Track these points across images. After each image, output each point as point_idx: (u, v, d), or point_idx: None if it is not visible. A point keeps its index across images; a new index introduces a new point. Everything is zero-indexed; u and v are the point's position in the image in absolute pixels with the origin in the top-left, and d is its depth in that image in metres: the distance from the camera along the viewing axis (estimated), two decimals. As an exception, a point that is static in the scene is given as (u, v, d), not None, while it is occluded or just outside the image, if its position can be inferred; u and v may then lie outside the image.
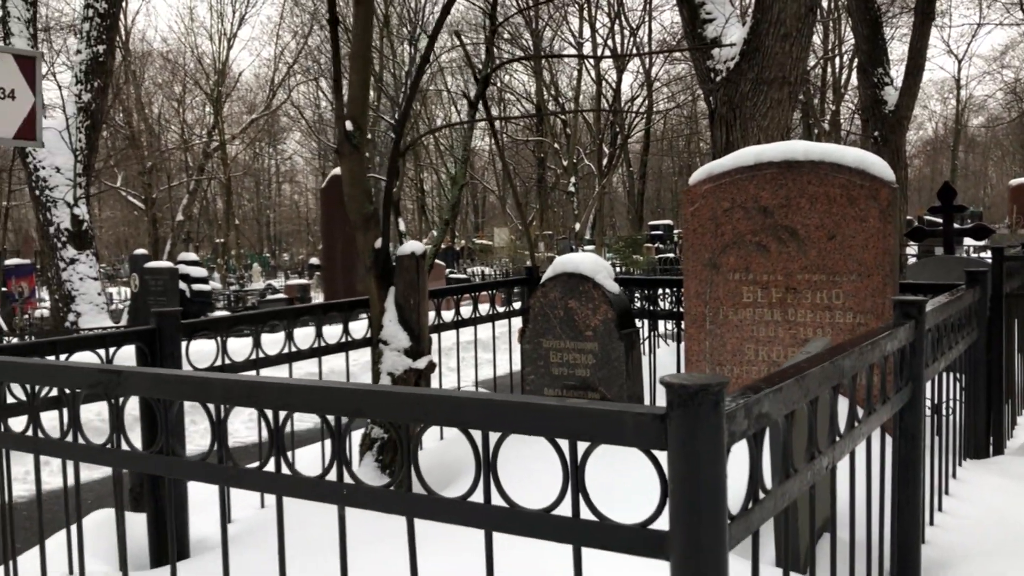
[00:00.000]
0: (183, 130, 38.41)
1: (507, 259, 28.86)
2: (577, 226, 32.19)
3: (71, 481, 3.32)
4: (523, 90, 36.93)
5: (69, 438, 2.19)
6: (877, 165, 3.78)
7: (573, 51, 33.95)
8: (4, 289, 21.14)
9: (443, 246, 26.30)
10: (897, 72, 12.07)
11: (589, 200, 34.34)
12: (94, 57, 11.30)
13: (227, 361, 3.46)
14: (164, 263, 11.27)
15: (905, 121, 11.00)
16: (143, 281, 10.66)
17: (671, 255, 22.36)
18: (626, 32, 32.99)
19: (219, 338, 3.43)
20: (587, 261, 4.56)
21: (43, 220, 10.89)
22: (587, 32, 33.33)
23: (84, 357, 2.87)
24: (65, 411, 2.28)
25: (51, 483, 5.72)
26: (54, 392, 2.69)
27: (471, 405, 1.54)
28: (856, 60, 13.04)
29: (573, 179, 33.09)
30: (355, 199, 3.80)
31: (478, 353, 5.72)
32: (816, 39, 28.43)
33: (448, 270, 21.67)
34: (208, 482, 1.93)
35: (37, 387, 2.31)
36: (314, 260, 27.92)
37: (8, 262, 23.44)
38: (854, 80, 22.33)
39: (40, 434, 2.26)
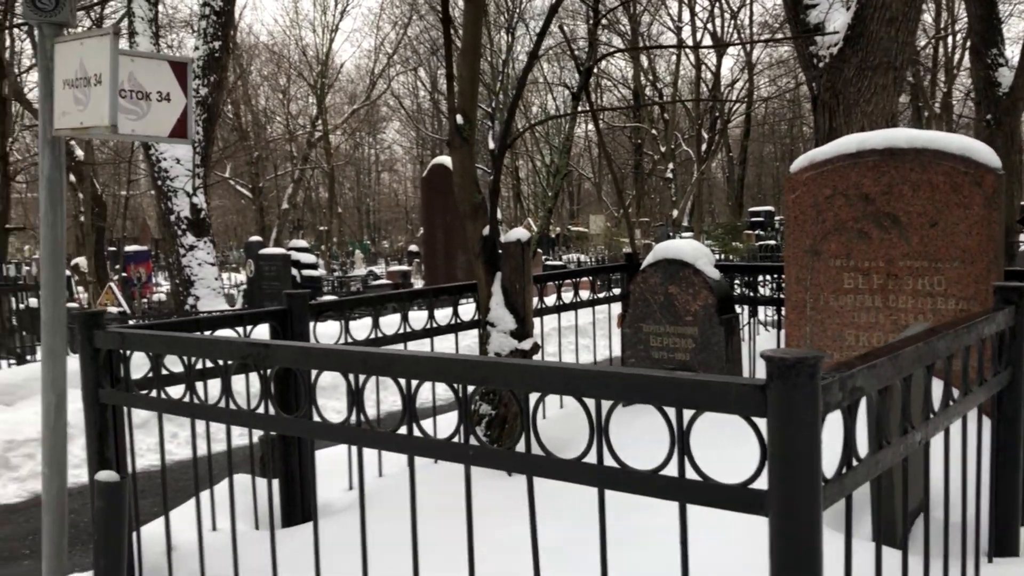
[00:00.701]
0: (288, 121, 39.63)
1: (602, 246, 28.87)
2: (675, 213, 31.92)
3: (210, 446, 3.63)
4: (620, 76, 36.72)
5: (222, 404, 2.46)
6: (983, 152, 3.78)
7: (672, 35, 33.57)
8: (124, 274, 22.34)
9: (542, 235, 26.49)
10: (1012, 52, 11.61)
11: (687, 186, 33.98)
12: (210, 53, 11.89)
13: (349, 340, 3.72)
14: (277, 250, 11.81)
15: (1020, 103, 10.61)
16: (258, 267, 11.20)
17: (772, 242, 22.00)
18: (726, 15, 32.44)
19: (343, 319, 3.70)
20: (688, 247, 4.67)
21: (164, 209, 11.55)
22: (686, 16, 32.90)
23: (222, 334, 3.16)
24: (200, 384, 2.56)
25: (178, 454, 6.17)
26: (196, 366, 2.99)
27: (586, 376, 1.71)
28: (969, 40, 12.61)
29: (671, 165, 32.80)
30: (465, 189, 4.01)
31: (578, 339, 5.88)
32: (927, 18, 27.34)
33: (544, 257, 21.86)
34: (349, 443, 2.16)
35: (193, 359, 2.59)
36: (413, 247, 28.51)
37: (127, 249, 24.72)
38: (967, 61, 21.46)
39: (196, 400, 2.55)
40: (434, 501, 3.16)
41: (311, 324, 3.51)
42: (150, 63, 2.63)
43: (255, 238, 17.44)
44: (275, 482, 3.53)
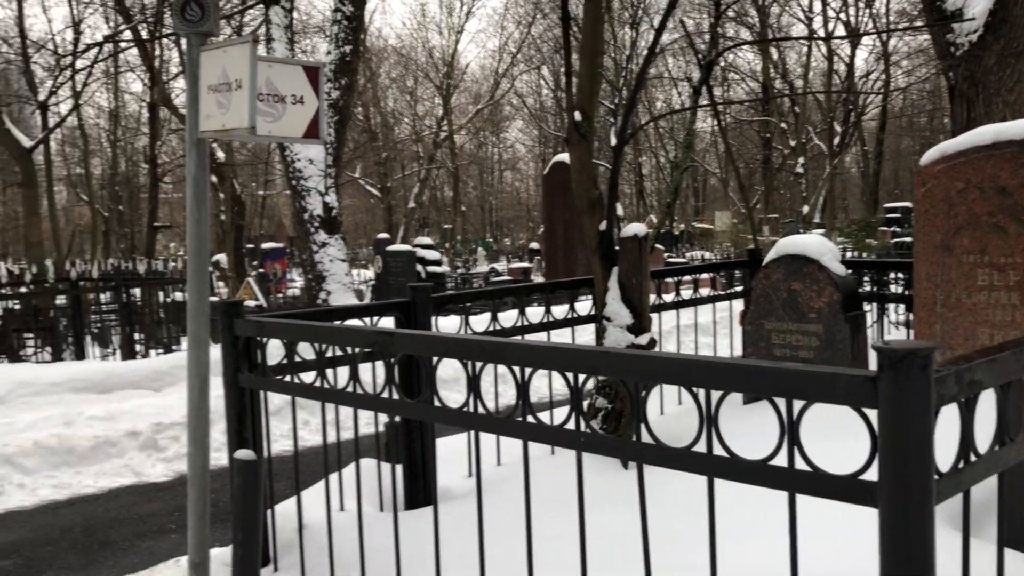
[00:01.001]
0: (414, 122, 40.59)
1: (728, 243, 28.30)
2: (805, 209, 30.94)
3: (339, 433, 3.81)
4: (748, 69, 35.86)
5: (349, 389, 2.60)
6: None
7: (802, 26, 32.52)
8: (261, 270, 23.43)
9: (661, 230, 26.21)
10: None
11: (819, 182, 32.87)
12: (342, 57, 12.33)
13: (469, 332, 3.84)
14: (404, 247, 12.16)
15: None
16: (385, 263, 11.56)
17: (908, 239, 21.04)
18: (860, 4, 31.18)
19: (463, 312, 3.82)
20: (812, 242, 4.57)
21: (298, 208, 12.07)
22: (817, 6, 31.83)
23: (351, 324, 3.32)
24: (330, 371, 2.70)
25: (309, 441, 6.47)
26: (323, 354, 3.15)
27: (696, 366, 1.74)
28: None
29: (801, 160, 31.80)
30: (582, 185, 4.06)
31: (698, 337, 5.83)
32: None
33: (667, 254, 21.62)
34: (466, 427, 2.26)
35: (323, 346, 2.74)
36: (534, 244, 28.73)
37: (264, 246, 25.92)
38: None
39: (326, 385, 2.70)
40: (549, 490, 3.23)
41: (433, 317, 3.64)
42: (285, 68, 2.80)
43: (383, 235, 17.99)
44: (399, 468, 3.68)
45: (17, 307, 11.11)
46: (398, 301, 3.55)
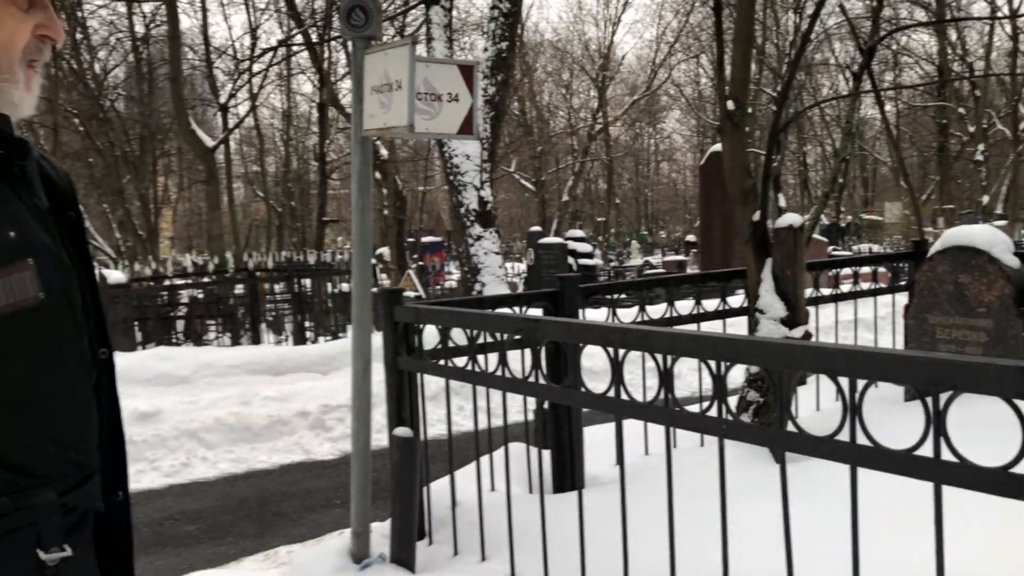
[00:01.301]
0: (569, 115, 40.76)
1: (899, 236, 26.87)
2: (985, 199, 28.94)
3: (490, 418, 3.95)
4: (923, 51, 33.81)
5: (499, 373, 2.71)
6: None
7: (984, 4, 30.35)
8: (421, 263, 24.21)
9: (827, 222, 25.18)
10: None
11: (1001, 170, 30.64)
12: (498, 53, 12.57)
13: (616, 323, 3.88)
14: (555, 239, 12.30)
15: None
16: (537, 255, 11.74)
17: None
18: (1051, -24, 28.74)
19: (611, 303, 3.87)
20: (982, 233, 4.34)
21: (455, 202, 12.43)
22: (1001, -19, 29.58)
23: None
24: (481, 357, 2.82)
25: (462, 425, 6.69)
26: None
27: (839, 354, 1.73)
28: None
29: (981, 147, 29.74)
30: (735, 174, 4.02)
31: (857, 332, 5.63)
32: None
33: (831, 247, 20.79)
34: (609, 411, 2.32)
35: (475, 332, 2.87)
36: (690, 237, 28.28)
37: (423, 239, 26.74)
38: None
39: (477, 369, 2.83)
40: (696, 481, 3.24)
41: (581, 309, 3.72)
42: (442, 67, 2.94)
43: (536, 228, 18.24)
44: (547, 453, 3.78)
45: (200, 295, 12.02)
46: (546, 291, 3.65)
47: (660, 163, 54.23)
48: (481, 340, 3.26)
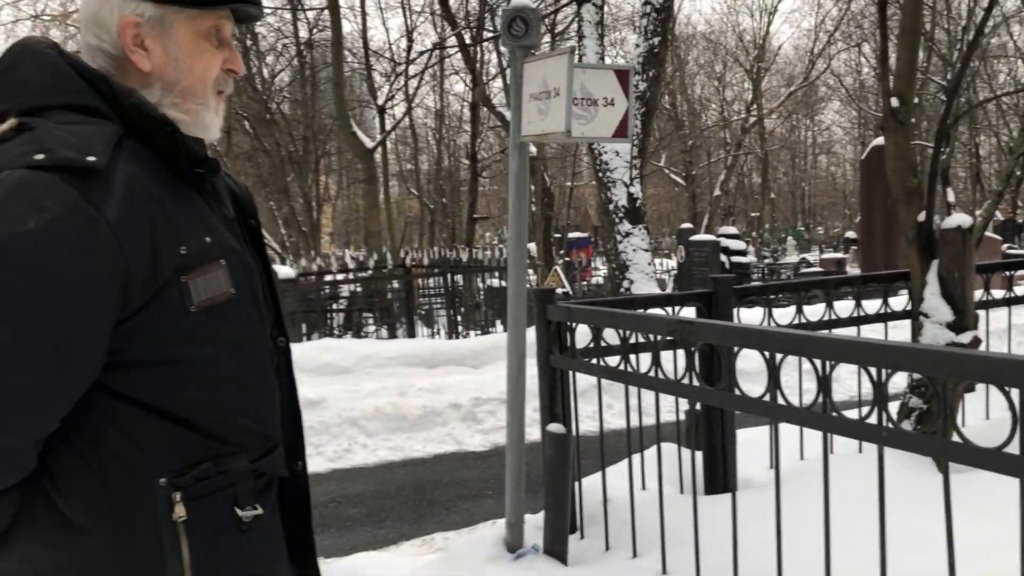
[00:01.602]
0: (722, 108, 39.87)
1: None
2: None
3: (641, 417, 3.99)
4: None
5: (651, 373, 2.76)
6: None
7: None
8: (567, 259, 24.35)
9: (1001, 218, 23.56)
10: None
11: None
12: (650, 49, 12.50)
13: (771, 325, 3.83)
14: (707, 236, 12.12)
15: None
16: (688, 252, 11.61)
17: None
18: None
19: (766, 304, 3.83)
20: None
21: (604, 198, 12.46)
22: None
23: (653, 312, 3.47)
24: (632, 357, 2.86)
25: (612, 424, 6.73)
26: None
27: (1008, 365, 1.68)
28: None
29: None
30: (898, 173, 3.89)
31: (1035, 334, 5.30)
32: None
33: (1007, 245, 19.45)
34: (764, 415, 2.32)
35: (627, 332, 2.92)
36: (850, 234, 27.12)
37: (570, 236, 26.86)
38: None
39: (629, 369, 2.88)
40: (853, 488, 3.17)
41: (735, 309, 3.69)
42: (597, 73, 3.01)
43: (686, 225, 18.00)
44: (698, 454, 3.78)
45: (358, 290, 12.59)
46: (699, 292, 3.65)
47: (818, 156, 52.20)
48: (633, 340, 3.31)
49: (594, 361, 3.15)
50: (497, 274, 12.78)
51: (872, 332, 4.54)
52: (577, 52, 13.25)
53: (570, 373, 3.31)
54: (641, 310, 3.52)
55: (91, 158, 1.23)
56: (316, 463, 6.30)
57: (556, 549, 3.09)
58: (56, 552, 1.29)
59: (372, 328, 11.80)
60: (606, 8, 16.25)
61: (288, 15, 23.84)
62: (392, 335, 11.27)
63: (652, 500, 3.19)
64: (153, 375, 1.29)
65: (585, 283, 20.74)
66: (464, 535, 4.48)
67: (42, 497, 1.28)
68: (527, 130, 2.96)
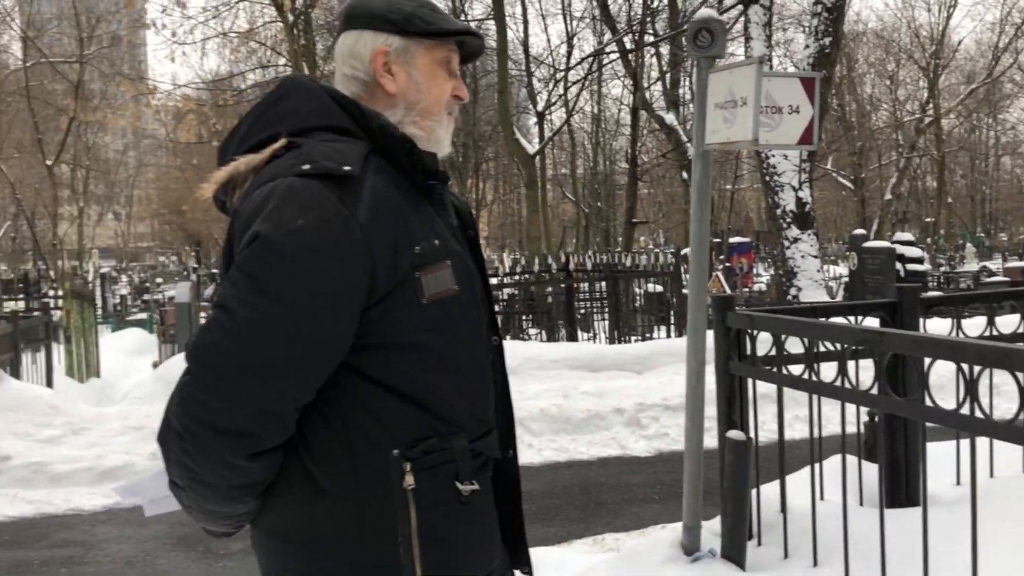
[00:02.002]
0: (894, 108, 37.98)
1: None
2: None
3: (821, 428, 3.93)
4: None
5: (837, 383, 2.74)
6: None
7: None
8: (728, 264, 23.86)
9: None
10: None
11: None
12: (820, 50, 12.12)
13: (961, 336, 3.69)
14: (881, 243, 11.63)
15: None
16: (861, 259, 11.17)
17: None
18: None
19: (955, 315, 3.69)
20: None
21: (771, 203, 12.17)
22: None
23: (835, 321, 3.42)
24: (812, 365, 2.83)
25: (787, 434, 6.60)
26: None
27: None
28: None
29: None
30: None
31: None
32: None
33: None
34: (960, 428, 2.28)
35: (813, 341, 2.91)
36: (1038, 240, 25.22)
37: (731, 240, 26.31)
38: None
39: (814, 378, 2.87)
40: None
41: (921, 319, 3.58)
42: (783, 81, 3.01)
43: (859, 231, 17.30)
44: (875, 466, 3.69)
45: (516, 293, 12.85)
46: (883, 301, 3.57)
47: (1001, 157, 48.77)
48: (816, 348, 3.28)
49: (774, 369, 3.14)
50: (653, 280, 12.74)
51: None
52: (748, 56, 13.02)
53: (749, 380, 3.32)
54: (823, 319, 3.48)
55: (347, 167, 1.45)
56: (485, 460, 6.52)
57: (734, 554, 3.11)
58: (304, 508, 1.49)
59: (533, 331, 12.01)
60: (773, 8, 15.86)
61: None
62: (551, 338, 11.44)
63: (831, 511, 3.15)
64: (390, 357, 1.48)
65: (747, 289, 20.28)
66: (635, 537, 4.54)
67: (297, 462, 1.49)
68: (711, 138, 3.00)
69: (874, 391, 2.58)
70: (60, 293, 16.41)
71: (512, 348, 8.47)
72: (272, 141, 1.54)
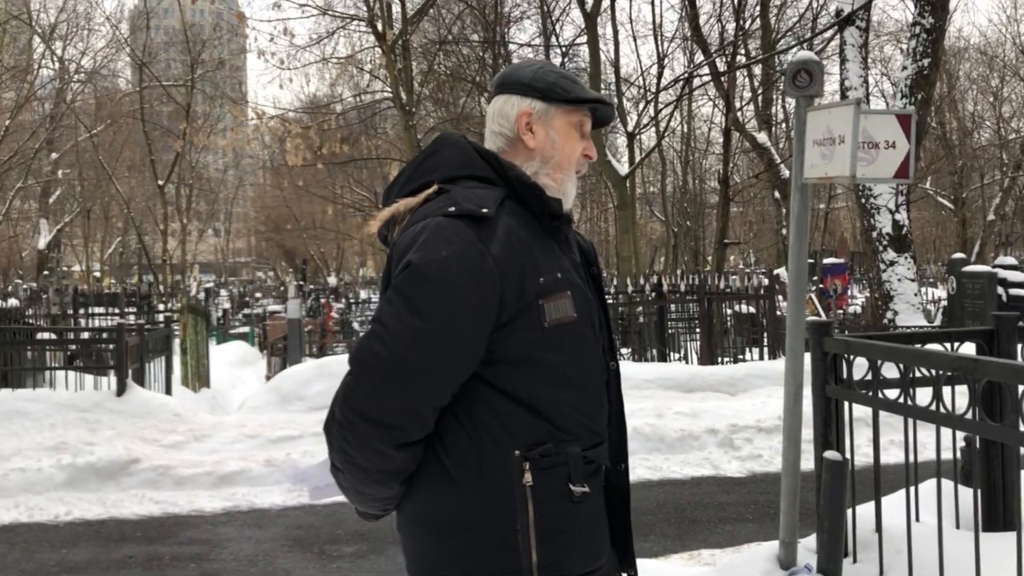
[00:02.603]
0: (998, 125, 36.73)
1: None
2: None
3: (917, 452, 4.02)
4: None
5: (933, 407, 2.86)
6: None
7: None
8: (821, 286, 23.44)
9: None
10: None
11: None
12: (919, 71, 11.98)
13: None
14: (982, 267, 11.39)
15: None
16: (960, 284, 10.98)
17: None
18: None
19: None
20: None
21: (867, 225, 12.06)
22: None
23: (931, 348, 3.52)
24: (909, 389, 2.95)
25: (883, 458, 6.61)
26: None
27: None
28: None
29: None
30: None
31: None
32: None
33: None
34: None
35: (909, 366, 3.04)
36: None
37: (825, 261, 25.84)
38: None
39: (910, 402, 3.00)
40: None
41: (1019, 345, 3.65)
42: (879, 118, 3.17)
43: (958, 255, 16.86)
44: (970, 490, 3.76)
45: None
46: (980, 329, 3.65)
47: (1115, 176, 46.42)
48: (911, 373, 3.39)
49: (870, 393, 3.27)
50: (744, 301, 12.72)
51: None
52: (841, 79, 12.97)
53: (845, 403, 3.45)
54: (919, 345, 3.59)
55: (484, 210, 1.73)
56: (579, 476, 6.72)
57: (830, 569, 3.24)
58: (438, 496, 1.75)
59: (624, 351, 12.15)
60: (869, 28, 15.71)
61: (540, 47, 24.98)
62: (642, 359, 11.56)
63: (926, 533, 3.25)
64: (514, 370, 1.73)
65: (841, 311, 19.92)
66: (730, 553, 4.67)
67: (434, 455, 1.75)
68: (809, 173, 3.17)
69: (968, 416, 2.70)
70: (172, 307, 17.29)
71: (605, 367, 8.66)
72: (427, 187, 1.83)
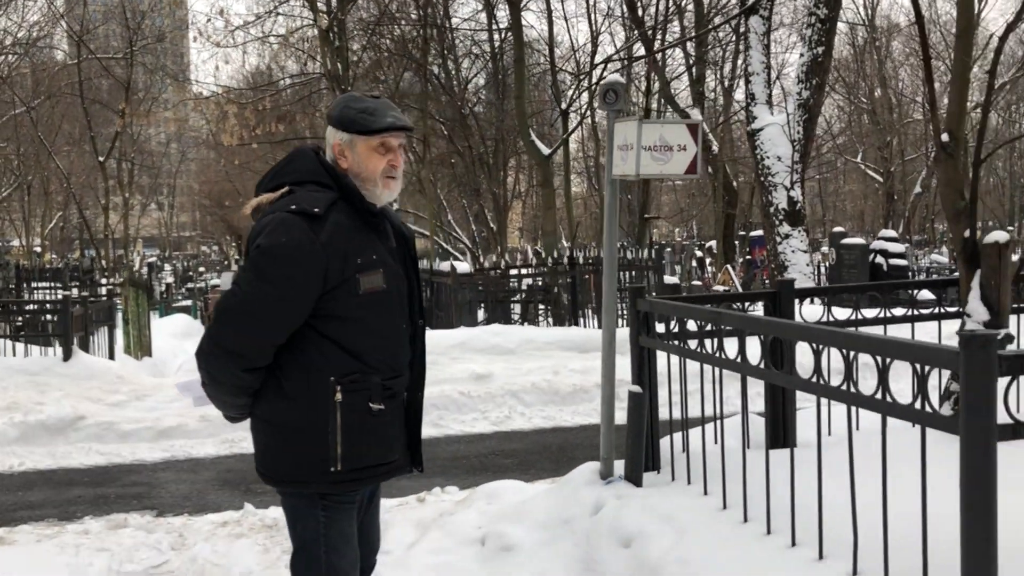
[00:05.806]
0: (923, 102, 38.29)
1: None
2: None
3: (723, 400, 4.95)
4: None
5: (719, 355, 3.77)
6: None
7: None
8: (749, 256, 24.64)
9: None
10: None
11: None
12: (814, 58, 12.97)
13: (830, 320, 4.71)
14: (856, 240, 12.51)
15: None
16: (839, 255, 12.09)
17: None
18: None
19: (825, 303, 4.71)
20: None
21: (765, 201, 13.12)
22: None
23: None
24: (708, 342, 3.87)
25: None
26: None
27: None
28: None
29: None
30: (948, 198, 4.66)
31: None
32: None
33: None
34: (815, 394, 3.12)
35: (705, 323, 3.95)
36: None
37: (752, 234, 27.05)
38: None
39: (705, 352, 3.91)
40: (895, 454, 3.98)
41: (795, 307, 4.60)
42: (673, 127, 4.05)
43: (839, 228, 18.13)
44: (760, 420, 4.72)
45: (539, 283, 13.94)
46: (766, 292, 4.59)
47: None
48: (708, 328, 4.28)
49: (673, 343, 4.17)
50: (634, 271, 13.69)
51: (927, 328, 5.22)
52: (744, 61, 13.92)
53: (654, 352, 4.37)
54: (713, 305, 4.51)
55: (316, 209, 2.53)
56: (482, 426, 7.64)
57: (633, 477, 4.17)
58: (276, 404, 2.58)
59: (549, 319, 13.08)
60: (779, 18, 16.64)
61: (484, 17, 25.60)
62: (559, 325, 12.51)
63: (719, 452, 4.15)
64: (336, 322, 2.56)
65: (765, 281, 21.06)
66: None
67: (275, 377, 2.58)
68: (615, 171, 4.06)
69: (758, 364, 3.61)
70: (114, 281, 17.74)
71: (512, 332, 9.58)
72: (282, 187, 2.64)
